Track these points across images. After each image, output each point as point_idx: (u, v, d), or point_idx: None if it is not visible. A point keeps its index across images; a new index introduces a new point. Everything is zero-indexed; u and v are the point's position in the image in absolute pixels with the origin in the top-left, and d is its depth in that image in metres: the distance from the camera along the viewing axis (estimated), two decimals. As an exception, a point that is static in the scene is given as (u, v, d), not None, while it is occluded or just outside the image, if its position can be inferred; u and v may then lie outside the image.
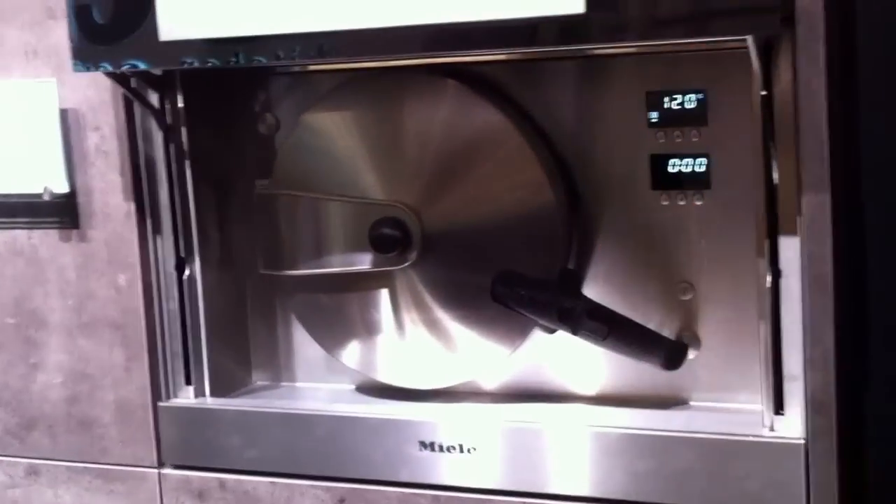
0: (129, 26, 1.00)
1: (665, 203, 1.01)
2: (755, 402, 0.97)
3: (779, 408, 0.93)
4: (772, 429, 0.93)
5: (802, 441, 0.91)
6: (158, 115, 1.10)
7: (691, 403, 1.03)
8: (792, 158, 0.89)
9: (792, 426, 0.93)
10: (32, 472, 1.21)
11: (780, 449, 0.92)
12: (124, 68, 1.02)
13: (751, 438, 0.93)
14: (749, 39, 0.86)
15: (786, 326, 0.92)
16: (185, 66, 0.99)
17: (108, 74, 1.05)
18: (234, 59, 0.97)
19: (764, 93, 0.89)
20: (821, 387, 0.91)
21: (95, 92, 1.11)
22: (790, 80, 0.88)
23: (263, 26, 0.95)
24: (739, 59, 0.90)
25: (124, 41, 1.00)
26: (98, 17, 1.01)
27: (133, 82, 1.08)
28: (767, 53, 0.89)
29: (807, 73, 0.87)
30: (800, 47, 0.87)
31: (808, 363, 0.91)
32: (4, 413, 1.21)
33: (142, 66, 1.01)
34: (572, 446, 0.99)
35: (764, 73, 0.89)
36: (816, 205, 0.89)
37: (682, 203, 1.01)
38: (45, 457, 1.20)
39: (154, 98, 1.10)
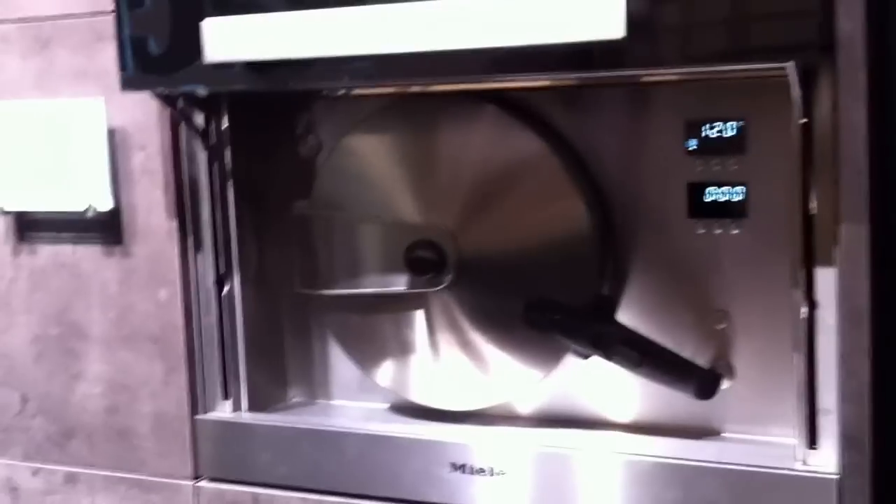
0: (176, 50, 1.02)
1: (701, 232, 1.01)
2: (788, 435, 0.96)
3: (812, 442, 0.92)
4: (805, 463, 0.93)
5: (836, 476, 0.91)
6: (203, 135, 1.12)
7: (723, 434, 1.02)
8: (830, 188, 0.89)
9: (825, 461, 0.92)
10: (71, 479, 1.23)
11: (813, 483, 0.91)
12: (172, 91, 1.05)
13: (783, 472, 0.92)
14: (789, 67, 0.85)
15: (820, 359, 0.91)
16: (230, 87, 1.02)
17: (156, 95, 1.07)
18: (279, 83, 0.99)
19: (804, 121, 0.89)
20: (855, 421, 0.90)
21: (142, 112, 1.13)
22: (829, 108, 0.88)
23: (308, 50, 0.96)
24: (779, 88, 0.89)
25: (171, 63, 1.03)
26: (147, 44, 1.04)
27: (180, 103, 1.11)
28: (807, 81, 0.88)
29: (847, 101, 0.87)
30: (840, 75, 0.87)
31: (843, 397, 0.90)
32: (45, 421, 1.24)
33: (187, 88, 1.04)
34: (601, 473, 0.99)
35: (804, 102, 0.88)
36: (854, 236, 0.88)
37: (718, 232, 1.00)
38: (83, 465, 1.23)
39: (199, 119, 1.12)
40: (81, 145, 1.16)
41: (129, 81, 1.06)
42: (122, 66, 1.05)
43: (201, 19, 0.98)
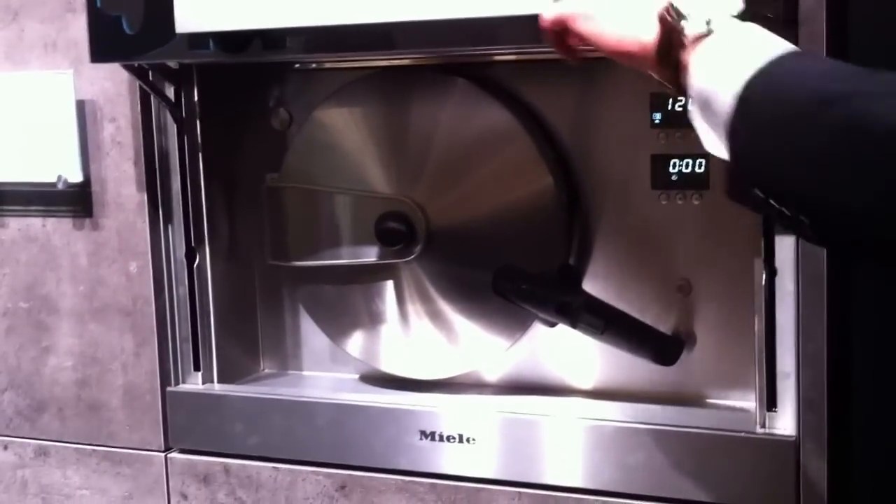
0: (147, 19, 1.02)
1: (664, 202, 1.03)
2: (749, 399, 0.99)
3: (771, 405, 0.95)
4: (763, 425, 0.95)
5: (793, 438, 0.93)
6: (174, 107, 1.13)
7: (685, 399, 1.05)
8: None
9: (784, 423, 0.95)
10: (42, 453, 1.24)
11: (771, 445, 0.94)
12: (142, 62, 1.05)
13: (742, 434, 0.95)
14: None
15: (780, 324, 0.94)
16: (201, 59, 1.02)
17: (126, 67, 1.08)
18: (250, 54, 1.00)
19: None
20: (812, 385, 0.92)
21: (112, 84, 1.14)
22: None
23: (279, 20, 0.96)
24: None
25: (142, 35, 1.03)
26: (118, 15, 1.03)
27: (150, 75, 1.11)
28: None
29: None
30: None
31: (801, 361, 0.93)
32: (16, 395, 1.24)
33: (158, 59, 1.05)
34: (567, 439, 1.01)
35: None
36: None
37: (680, 202, 1.03)
38: (54, 438, 1.23)
39: (170, 91, 1.13)
40: (51, 117, 1.16)
41: (99, 53, 1.06)
42: (92, 38, 1.05)
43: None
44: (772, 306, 0.94)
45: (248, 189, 1.18)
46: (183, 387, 1.17)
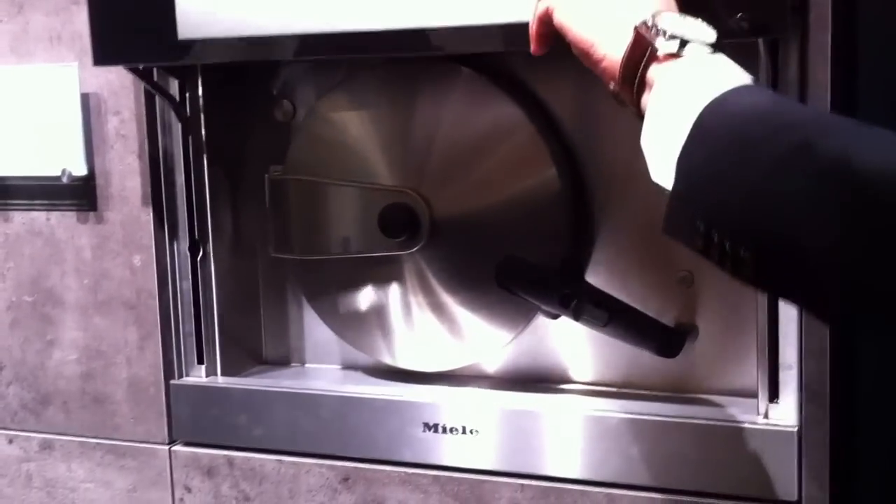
0: (149, 25, 1.02)
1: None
2: (750, 391, 0.99)
3: (774, 396, 0.95)
4: (766, 416, 0.95)
5: (795, 429, 0.93)
6: (178, 106, 1.13)
7: (688, 390, 1.05)
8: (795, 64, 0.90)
9: (786, 414, 0.95)
10: (47, 446, 1.24)
11: (774, 436, 0.94)
12: (145, 64, 1.07)
13: (745, 425, 0.95)
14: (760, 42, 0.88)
15: (782, 315, 0.94)
16: (204, 61, 1.03)
17: (130, 69, 1.08)
18: (254, 55, 1.01)
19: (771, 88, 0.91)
20: (815, 376, 0.93)
21: (116, 77, 1.14)
22: (796, 70, 0.90)
23: (282, 25, 0.97)
24: (746, 50, 0.91)
25: (144, 38, 1.03)
26: (119, 19, 1.04)
27: (154, 74, 1.11)
28: (774, 46, 0.90)
29: (814, 63, 0.89)
30: (809, 39, 0.89)
31: (804, 352, 0.93)
32: (21, 388, 1.25)
33: (161, 62, 1.06)
34: (570, 430, 1.01)
35: (771, 65, 0.90)
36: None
37: (684, 194, 1.03)
38: (59, 432, 1.23)
39: (174, 87, 1.13)
40: (55, 110, 1.16)
41: (102, 56, 1.06)
42: (95, 41, 1.05)
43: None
44: (774, 297, 0.94)
45: (252, 182, 1.18)
46: (187, 380, 1.18)
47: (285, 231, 1.14)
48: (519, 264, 1.04)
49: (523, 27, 0.80)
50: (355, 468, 1.09)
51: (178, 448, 1.18)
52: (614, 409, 1.00)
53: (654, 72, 0.66)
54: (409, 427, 1.07)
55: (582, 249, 1.07)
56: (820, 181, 0.55)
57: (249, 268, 1.21)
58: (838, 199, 0.54)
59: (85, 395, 1.22)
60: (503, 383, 1.12)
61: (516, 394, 1.08)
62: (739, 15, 0.82)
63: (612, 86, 0.70)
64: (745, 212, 0.58)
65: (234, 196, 1.19)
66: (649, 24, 0.67)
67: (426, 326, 1.11)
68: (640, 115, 0.68)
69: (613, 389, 1.07)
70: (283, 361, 1.23)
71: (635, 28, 0.67)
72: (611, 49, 0.69)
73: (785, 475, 0.93)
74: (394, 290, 1.12)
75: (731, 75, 0.64)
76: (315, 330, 1.20)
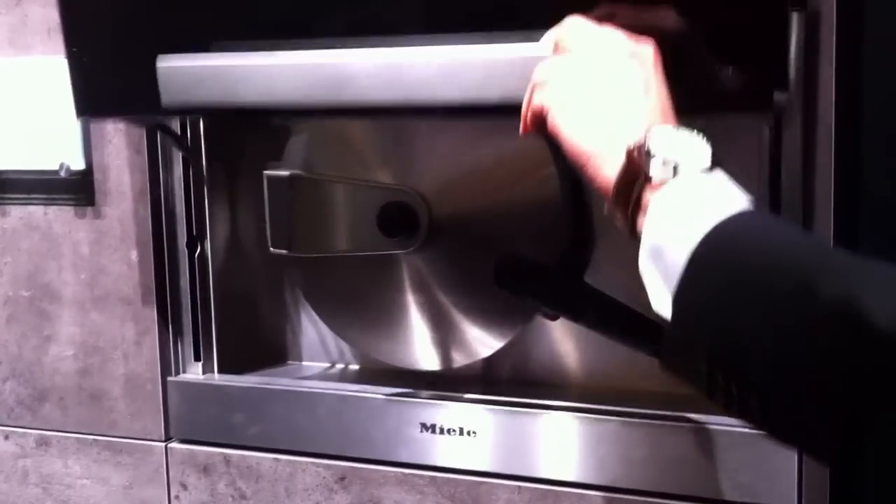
0: (133, 88, 0.97)
1: (669, 194, 1.02)
2: (752, 394, 0.97)
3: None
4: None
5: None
6: (180, 140, 1.13)
7: (687, 393, 1.03)
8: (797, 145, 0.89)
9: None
10: (43, 442, 1.23)
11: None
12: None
13: (745, 429, 0.94)
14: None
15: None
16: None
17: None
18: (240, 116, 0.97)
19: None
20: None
21: (113, 70, 1.13)
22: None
23: (267, 99, 0.91)
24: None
25: (129, 100, 0.99)
26: (102, 80, 1.00)
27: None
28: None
29: (820, 67, 0.88)
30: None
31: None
32: (17, 384, 1.24)
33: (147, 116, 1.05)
34: (568, 432, 1.00)
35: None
36: (820, 194, 0.89)
37: (686, 195, 1.01)
38: (55, 428, 1.23)
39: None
40: (54, 104, 1.15)
41: (85, 110, 1.01)
42: (76, 94, 1.01)
43: (156, 54, 0.93)
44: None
45: (251, 178, 1.17)
46: (184, 377, 1.17)
47: (283, 228, 1.13)
48: (518, 264, 1.03)
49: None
50: (352, 468, 1.09)
51: (174, 445, 1.17)
52: (613, 412, 0.99)
53: (649, 196, 0.64)
54: (407, 427, 1.06)
55: (582, 249, 1.06)
56: (823, 326, 0.54)
57: (248, 265, 1.20)
58: (843, 343, 0.53)
59: (81, 391, 1.21)
60: (501, 384, 1.11)
61: (514, 395, 1.06)
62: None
63: (606, 204, 0.67)
64: (749, 358, 0.57)
65: (232, 192, 1.18)
66: (642, 145, 0.64)
67: (424, 325, 1.10)
68: (634, 237, 0.65)
69: (612, 392, 1.06)
70: (280, 359, 1.22)
71: (627, 151, 0.64)
72: (605, 168, 0.66)
73: (785, 480, 0.92)
74: (392, 288, 1.11)
75: (727, 200, 0.62)
76: (312, 328, 1.19)
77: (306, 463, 1.10)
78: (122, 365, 1.19)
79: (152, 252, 1.15)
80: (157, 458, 1.18)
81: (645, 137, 0.64)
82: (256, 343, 1.22)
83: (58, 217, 1.20)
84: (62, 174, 1.17)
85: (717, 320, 0.58)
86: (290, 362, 1.22)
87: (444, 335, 1.10)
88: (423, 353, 1.11)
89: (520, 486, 1.02)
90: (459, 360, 1.10)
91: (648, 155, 0.63)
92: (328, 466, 1.09)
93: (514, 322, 1.07)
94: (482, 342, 1.09)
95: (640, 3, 0.77)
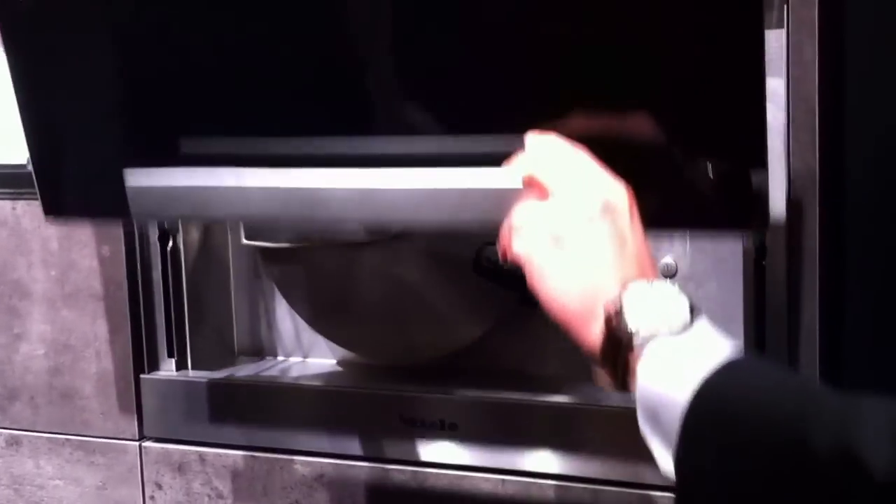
0: (101, 195, 0.93)
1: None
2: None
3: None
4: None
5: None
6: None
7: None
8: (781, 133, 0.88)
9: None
10: (14, 442, 1.21)
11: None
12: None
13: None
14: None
15: (770, 303, 0.91)
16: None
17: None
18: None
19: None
20: (803, 365, 0.90)
21: (80, 60, 1.10)
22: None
23: (234, 215, 0.90)
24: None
25: (97, 204, 0.95)
26: (70, 187, 0.97)
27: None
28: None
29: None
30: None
31: (791, 343, 0.90)
32: (-13, 384, 1.21)
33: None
34: (550, 425, 0.98)
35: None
36: (804, 186, 0.87)
37: (668, 180, 1.00)
38: (26, 428, 1.20)
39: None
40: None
41: (51, 211, 0.97)
42: (43, 196, 0.97)
43: (121, 161, 0.88)
44: (762, 285, 0.91)
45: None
46: (157, 374, 1.14)
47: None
48: (497, 252, 1.01)
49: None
50: (331, 464, 1.06)
51: (148, 444, 1.14)
52: (596, 404, 0.97)
53: (635, 358, 0.63)
54: (386, 422, 1.04)
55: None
56: (821, 478, 0.54)
57: (221, 259, 1.17)
58: (843, 493, 0.54)
59: (53, 389, 1.18)
60: (482, 377, 1.08)
61: (495, 388, 1.04)
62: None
63: (593, 367, 0.67)
64: None
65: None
66: (619, 310, 0.63)
67: (402, 318, 1.08)
68: (626, 391, 0.65)
69: (593, 383, 1.04)
70: (256, 355, 1.19)
71: (605, 315, 0.63)
72: (587, 332, 0.65)
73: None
74: (368, 280, 1.09)
75: (712, 351, 0.61)
76: (288, 322, 1.16)
77: (284, 460, 1.08)
78: (94, 363, 1.16)
79: (123, 247, 1.13)
80: (130, 458, 1.15)
81: (621, 300, 0.63)
82: (231, 338, 1.19)
83: (26, 212, 1.17)
84: (30, 168, 1.13)
85: (718, 486, 0.59)
86: (266, 358, 1.19)
87: (423, 327, 1.07)
88: (401, 345, 1.09)
89: (503, 480, 1.00)
90: (438, 352, 1.08)
91: (624, 319, 0.63)
92: (306, 463, 1.07)
93: (493, 312, 1.04)
94: (461, 334, 1.06)
95: (610, 112, 0.75)
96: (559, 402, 0.99)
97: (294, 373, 1.14)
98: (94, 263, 1.14)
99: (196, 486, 1.12)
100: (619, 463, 0.95)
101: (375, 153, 0.80)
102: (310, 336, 1.15)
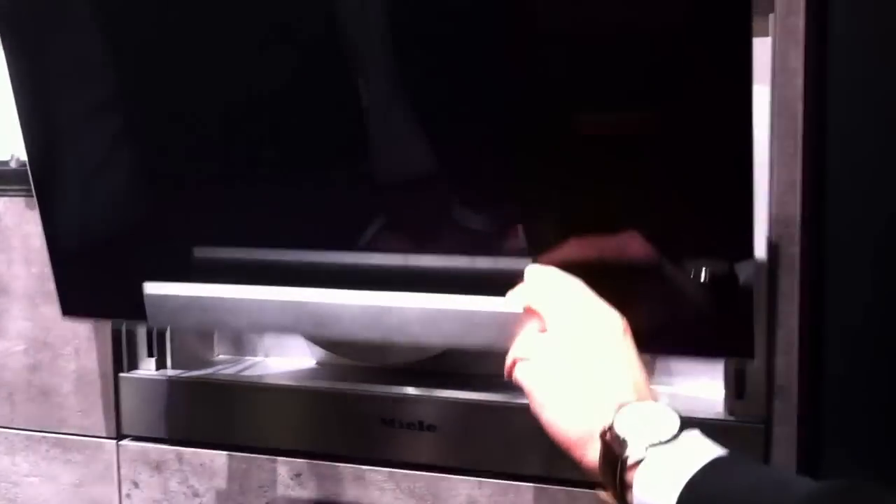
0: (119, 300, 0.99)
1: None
2: (717, 386, 0.96)
3: (740, 392, 0.92)
4: (732, 413, 0.92)
5: (762, 425, 0.90)
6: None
7: (652, 385, 1.01)
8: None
9: (752, 410, 0.91)
10: (-9, 440, 1.20)
11: (739, 432, 0.91)
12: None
13: (711, 420, 0.92)
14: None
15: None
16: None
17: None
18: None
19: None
20: (783, 371, 0.90)
21: (64, 55, 1.10)
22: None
23: (247, 326, 0.93)
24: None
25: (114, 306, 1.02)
26: (88, 290, 1.03)
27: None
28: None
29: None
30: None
31: (771, 347, 0.90)
32: (-35, 380, 1.20)
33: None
34: (529, 426, 0.97)
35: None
36: (786, 184, 0.87)
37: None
38: (3, 425, 1.19)
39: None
40: (4, 93, 1.12)
41: (69, 311, 1.04)
42: (61, 295, 1.03)
43: (139, 267, 0.94)
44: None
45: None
46: (136, 373, 1.14)
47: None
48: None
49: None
50: (309, 464, 1.06)
51: (126, 442, 1.14)
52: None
53: (631, 474, 0.67)
54: (365, 422, 1.03)
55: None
56: None
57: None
58: None
59: (31, 387, 1.17)
60: (461, 378, 1.08)
61: (475, 389, 1.04)
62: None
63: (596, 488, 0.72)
64: None
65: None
66: (612, 430, 0.68)
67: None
68: None
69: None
70: (234, 354, 1.19)
71: (602, 439, 0.68)
72: (587, 454, 0.70)
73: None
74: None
75: (701, 452, 0.66)
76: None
77: (262, 459, 1.07)
78: (74, 360, 1.15)
79: (105, 243, 1.12)
80: (108, 456, 1.14)
81: (614, 422, 0.68)
82: (211, 338, 1.19)
83: (8, 209, 1.16)
84: (12, 165, 1.13)
85: None
86: (245, 357, 1.18)
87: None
88: (380, 347, 1.09)
89: (480, 481, 0.99)
90: (418, 351, 1.08)
91: (619, 438, 0.67)
92: (284, 463, 1.06)
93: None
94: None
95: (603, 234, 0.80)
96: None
97: (274, 373, 1.13)
98: (75, 260, 1.13)
99: (173, 484, 1.11)
100: (597, 465, 0.95)
101: (383, 266, 0.88)
102: (290, 336, 1.14)
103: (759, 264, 0.88)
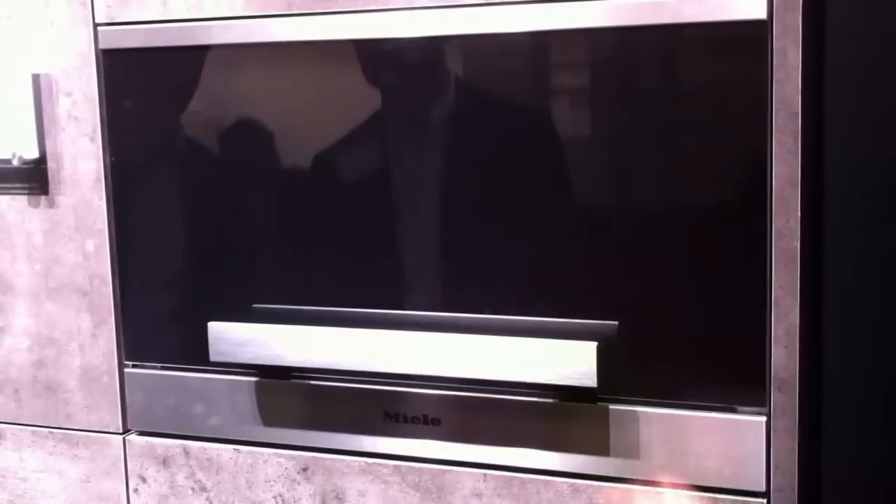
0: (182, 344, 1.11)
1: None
2: (718, 379, 0.97)
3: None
4: (734, 407, 0.93)
5: (763, 418, 0.92)
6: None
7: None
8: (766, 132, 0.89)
9: (755, 403, 0.93)
10: (-3, 436, 1.21)
11: (741, 426, 0.92)
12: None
13: (712, 414, 0.93)
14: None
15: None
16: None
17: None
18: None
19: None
20: (783, 364, 0.91)
21: (67, 57, 1.10)
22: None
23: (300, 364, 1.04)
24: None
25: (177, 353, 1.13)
26: (154, 334, 1.13)
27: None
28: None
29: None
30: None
31: (772, 340, 0.91)
32: (-30, 377, 1.21)
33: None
34: (534, 420, 0.99)
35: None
36: (786, 178, 0.88)
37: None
38: (9, 421, 1.20)
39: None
40: (6, 91, 1.12)
41: (133, 357, 1.14)
42: (128, 342, 1.14)
43: (202, 312, 1.07)
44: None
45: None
46: (142, 368, 1.14)
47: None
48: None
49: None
50: (314, 458, 1.07)
51: (132, 437, 1.15)
52: (579, 400, 0.98)
53: None
54: (370, 416, 1.04)
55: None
56: None
57: (206, 253, 1.18)
58: None
59: (37, 383, 1.18)
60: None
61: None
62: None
63: None
64: None
65: (190, 179, 1.16)
66: None
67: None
68: None
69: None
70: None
71: None
72: None
73: (753, 465, 0.92)
74: (354, 275, 1.10)
75: None
76: (274, 317, 1.17)
77: (268, 454, 1.09)
78: (79, 356, 1.16)
79: (108, 241, 1.13)
80: (114, 451, 1.15)
81: None
82: (216, 333, 1.20)
83: (11, 206, 1.17)
84: (14, 163, 1.14)
85: None
86: (250, 352, 1.19)
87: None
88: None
89: (485, 474, 1.01)
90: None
91: None
92: (291, 457, 1.08)
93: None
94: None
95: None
96: (541, 398, 0.99)
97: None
98: (79, 258, 1.14)
99: (180, 479, 1.12)
100: (601, 457, 0.96)
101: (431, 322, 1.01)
102: (294, 331, 1.16)
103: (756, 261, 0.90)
